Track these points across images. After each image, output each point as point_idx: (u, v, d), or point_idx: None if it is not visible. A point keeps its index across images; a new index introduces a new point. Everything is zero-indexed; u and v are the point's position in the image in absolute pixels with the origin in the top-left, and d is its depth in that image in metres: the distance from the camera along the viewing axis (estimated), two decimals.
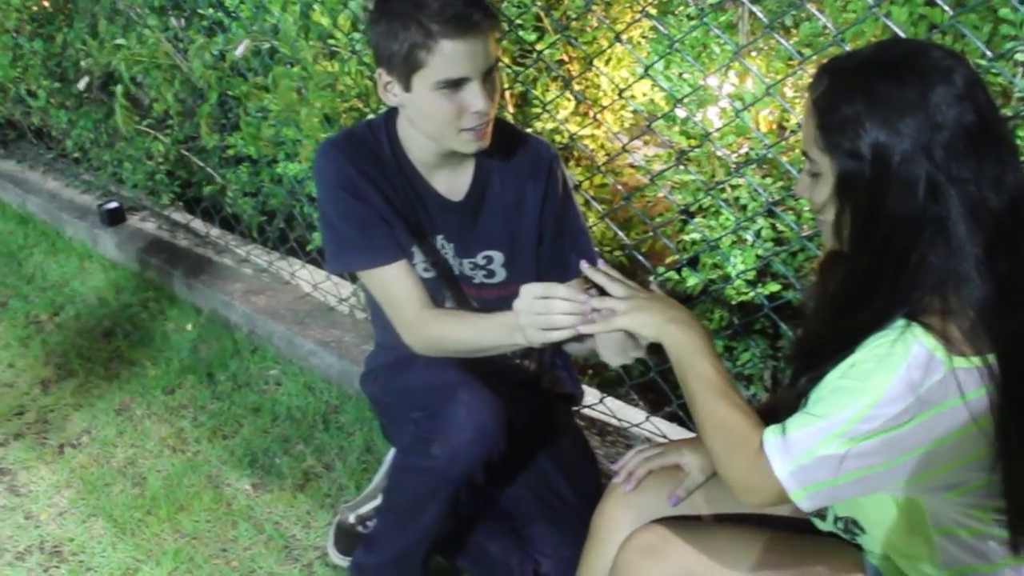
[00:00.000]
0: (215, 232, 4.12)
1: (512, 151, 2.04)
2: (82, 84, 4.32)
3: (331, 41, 2.90)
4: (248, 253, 3.90)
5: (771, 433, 1.35)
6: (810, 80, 1.34)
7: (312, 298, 3.53)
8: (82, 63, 4.21)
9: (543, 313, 1.65)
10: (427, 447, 1.87)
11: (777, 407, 1.47)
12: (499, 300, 2.08)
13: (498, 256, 2.07)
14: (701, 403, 1.48)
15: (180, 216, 4.34)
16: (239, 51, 3.04)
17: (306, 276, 3.59)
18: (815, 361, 1.37)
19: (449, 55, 1.75)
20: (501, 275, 2.09)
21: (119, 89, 3.61)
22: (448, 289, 2.10)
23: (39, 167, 5.15)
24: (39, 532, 2.62)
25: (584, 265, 1.71)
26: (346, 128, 2.09)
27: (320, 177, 2.02)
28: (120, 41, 3.70)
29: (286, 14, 2.90)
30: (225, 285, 3.69)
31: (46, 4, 4.60)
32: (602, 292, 1.67)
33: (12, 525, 2.66)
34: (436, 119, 1.83)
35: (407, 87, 1.82)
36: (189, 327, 3.64)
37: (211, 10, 3.44)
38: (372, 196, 1.97)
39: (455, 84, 1.78)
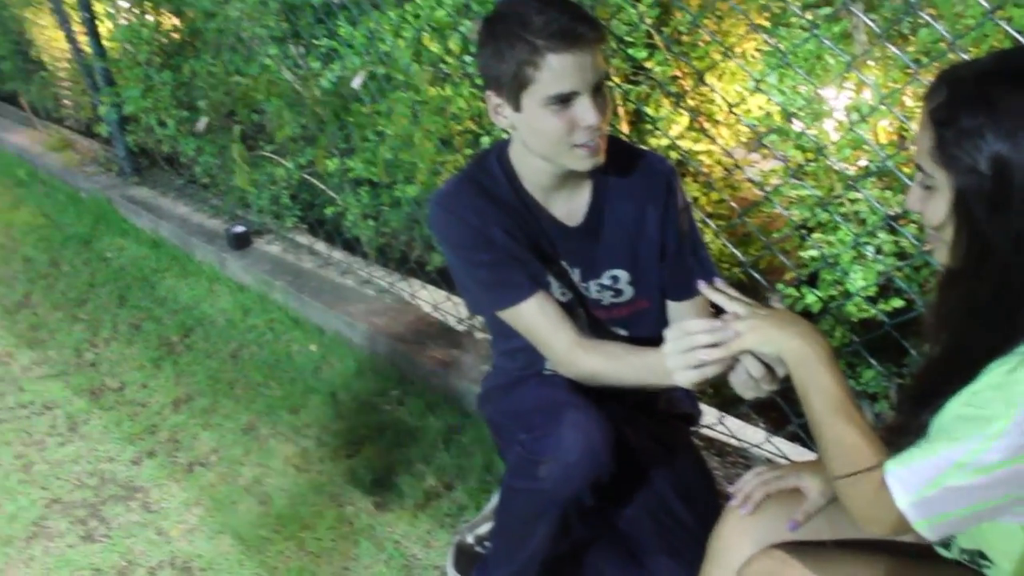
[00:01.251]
0: (338, 254, 4.19)
1: (628, 168, 2.02)
2: (201, 126, 4.45)
3: (443, 65, 2.93)
4: (370, 274, 3.96)
5: (893, 463, 1.31)
6: (928, 89, 1.29)
7: (432, 318, 3.57)
8: (199, 103, 4.34)
9: (688, 351, 1.62)
10: (534, 468, 1.86)
11: (898, 431, 1.43)
12: (631, 317, 2.07)
13: (623, 275, 2.06)
14: (821, 419, 1.45)
15: (304, 239, 4.42)
16: (356, 83, 3.09)
17: (426, 296, 3.63)
18: (936, 388, 1.32)
19: (557, 70, 1.75)
20: (629, 293, 2.08)
21: (236, 130, 3.71)
22: (580, 312, 2.10)
23: (170, 193, 5.32)
24: (170, 548, 2.70)
25: (702, 285, 1.70)
26: (456, 174, 2.10)
27: (439, 232, 2.03)
28: (239, 78, 3.80)
29: (398, 40, 2.94)
30: (348, 306, 3.75)
31: (176, 36, 4.76)
32: (719, 311, 1.65)
33: (145, 541, 2.75)
34: (548, 136, 1.82)
35: (517, 107, 1.83)
36: (313, 347, 3.71)
37: (327, 39, 3.51)
38: (496, 236, 1.97)
39: (565, 99, 1.77)
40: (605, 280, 2.05)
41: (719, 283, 1.71)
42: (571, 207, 2.02)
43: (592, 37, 1.76)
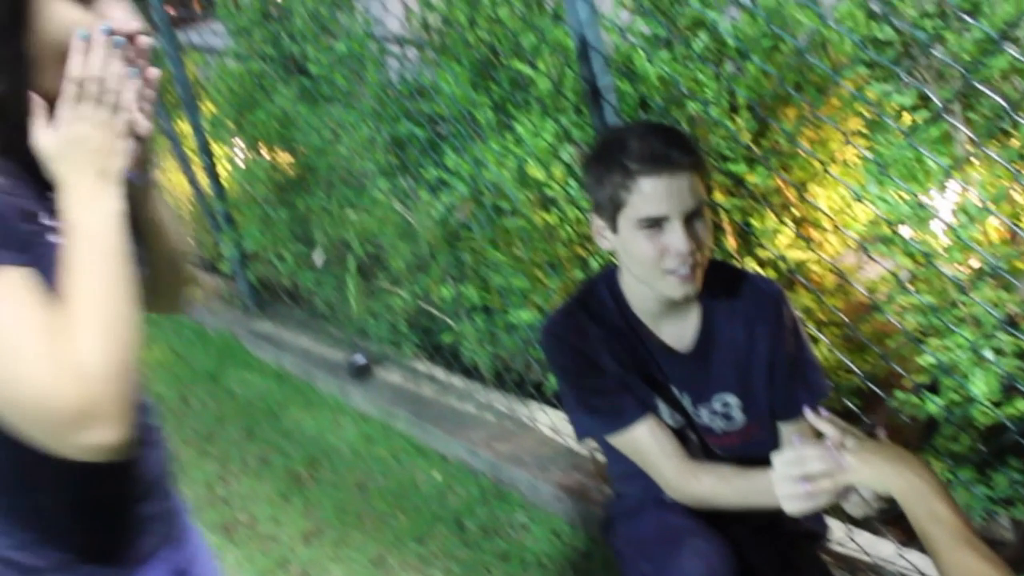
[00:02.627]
0: (456, 380, 4.23)
1: (736, 292, 2.02)
2: (318, 261, 4.58)
3: (548, 191, 2.98)
4: (488, 399, 3.98)
5: None
6: None
7: (553, 441, 3.56)
8: (316, 239, 4.48)
9: (797, 479, 1.61)
10: None
11: None
12: (743, 446, 2.06)
13: (734, 400, 2.05)
14: (945, 551, 1.41)
15: (423, 366, 4.48)
16: (462, 215, 3.16)
17: (545, 420, 3.63)
18: None
19: (648, 193, 1.79)
20: (740, 419, 2.06)
21: (352, 263, 3.81)
22: (692, 437, 2.09)
23: (292, 326, 5.44)
24: None
25: (808, 414, 1.68)
26: (566, 300, 2.14)
27: (550, 357, 2.07)
28: (351, 214, 3.92)
29: (502, 170, 3.01)
30: (469, 432, 3.77)
31: (289, 172, 4.93)
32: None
33: None
34: (640, 260, 1.85)
35: (615, 228, 1.87)
36: (437, 475, 3.73)
37: (434, 170, 3.60)
38: (605, 362, 1.99)
39: (656, 223, 1.80)
40: (716, 406, 2.04)
41: (824, 413, 1.69)
42: (680, 332, 2.03)
43: (685, 162, 1.79)
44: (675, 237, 1.80)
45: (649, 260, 1.84)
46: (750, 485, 1.85)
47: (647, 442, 1.98)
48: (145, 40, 1.22)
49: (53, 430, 1.06)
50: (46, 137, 1.16)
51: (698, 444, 2.09)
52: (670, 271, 1.83)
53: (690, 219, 1.82)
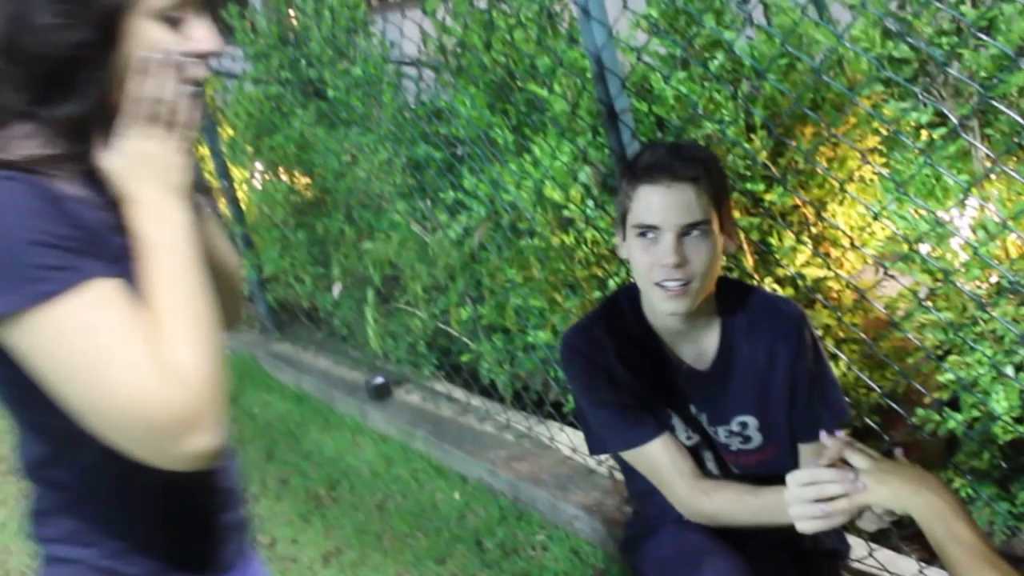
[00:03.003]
0: (476, 400, 4.23)
1: (757, 313, 2.02)
2: (336, 292, 4.60)
3: (566, 212, 2.99)
4: (508, 419, 3.98)
5: None
6: None
7: (572, 461, 3.56)
8: (334, 264, 4.50)
9: (812, 500, 1.61)
10: None
11: None
12: (759, 465, 2.06)
13: (752, 421, 2.04)
14: (965, 572, 1.41)
15: (442, 386, 4.48)
16: (478, 237, 3.18)
17: (564, 439, 3.63)
18: None
19: (643, 201, 1.82)
20: (757, 440, 2.06)
21: (371, 294, 3.82)
22: (709, 455, 2.09)
23: (311, 347, 5.45)
24: None
25: (824, 437, 1.68)
26: (588, 313, 2.15)
27: (568, 369, 2.08)
28: (367, 245, 3.94)
29: (520, 191, 3.02)
30: (488, 452, 3.77)
31: (307, 194, 4.96)
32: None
33: None
34: (636, 269, 1.90)
35: (624, 236, 1.89)
36: (456, 495, 3.73)
37: (452, 192, 3.62)
38: (622, 378, 2.00)
39: (649, 232, 1.82)
40: (733, 426, 2.04)
41: (840, 435, 1.69)
42: (699, 350, 2.03)
43: (684, 174, 1.81)
44: (664, 250, 1.82)
45: (643, 270, 1.86)
46: (762, 504, 1.85)
47: (661, 459, 1.99)
48: (213, 60, 1.25)
49: (157, 438, 1.08)
50: (112, 155, 1.18)
51: (715, 462, 2.09)
52: (658, 283, 1.84)
53: (686, 233, 1.82)
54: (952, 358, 2.48)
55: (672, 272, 1.82)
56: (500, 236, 3.38)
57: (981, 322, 2.44)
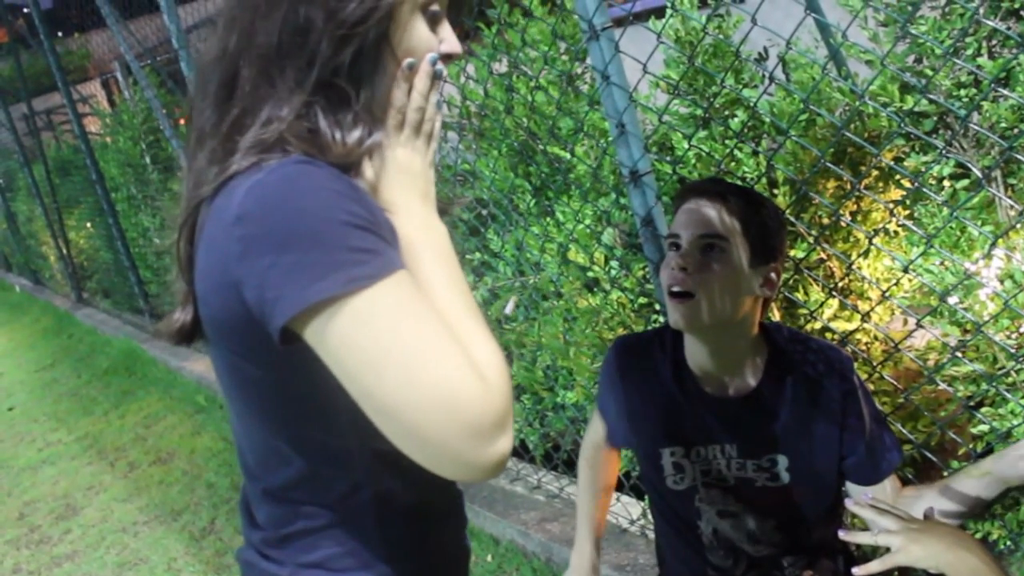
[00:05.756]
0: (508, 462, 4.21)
1: (803, 355, 2.00)
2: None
3: (590, 274, 3.00)
4: (539, 480, 3.97)
5: None
6: None
7: (605, 521, 3.54)
8: None
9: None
10: None
11: None
12: (777, 505, 2.03)
13: (782, 460, 2.02)
14: None
15: None
16: (508, 309, 3.19)
17: None
18: None
19: (676, 216, 1.90)
20: (785, 479, 2.03)
21: None
22: (704, 501, 2.07)
23: None
24: None
25: (849, 503, 1.68)
26: (647, 331, 2.20)
27: (602, 366, 2.18)
28: None
29: (545, 255, 3.04)
30: (520, 514, 3.76)
31: None
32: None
33: None
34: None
35: None
36: (489, 558, 3.71)
37: (478, 253, 3.64)
38: (632, 397, 2.08)
39: (675, 242, 1.88)
40: (764, 462, 2.02)
41: (869, 498, 1.68)
42: (736, 384, 2.01)
43: (713, 191, 1.86)
44: (674, 253, 1.86)
45: (662, 278, 1.88)
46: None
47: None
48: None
49: (469, 437, 0.98)
50: (379, 164, 1.18)
51: (706, 500, 2.08)
52: (668, 289, 1.85)
53: (706, 248, 1.84)
54: (985, 409, 2.47)
55: (677, 276, 1.82)
56: (526, 297, 3.40)
57: (1012, 373, 2.43)
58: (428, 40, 1.19)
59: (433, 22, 1.19)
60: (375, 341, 0.99)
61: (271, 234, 1.01)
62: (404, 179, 1.18)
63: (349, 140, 1.13)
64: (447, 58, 1.22)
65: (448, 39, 1.21)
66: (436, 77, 1.19)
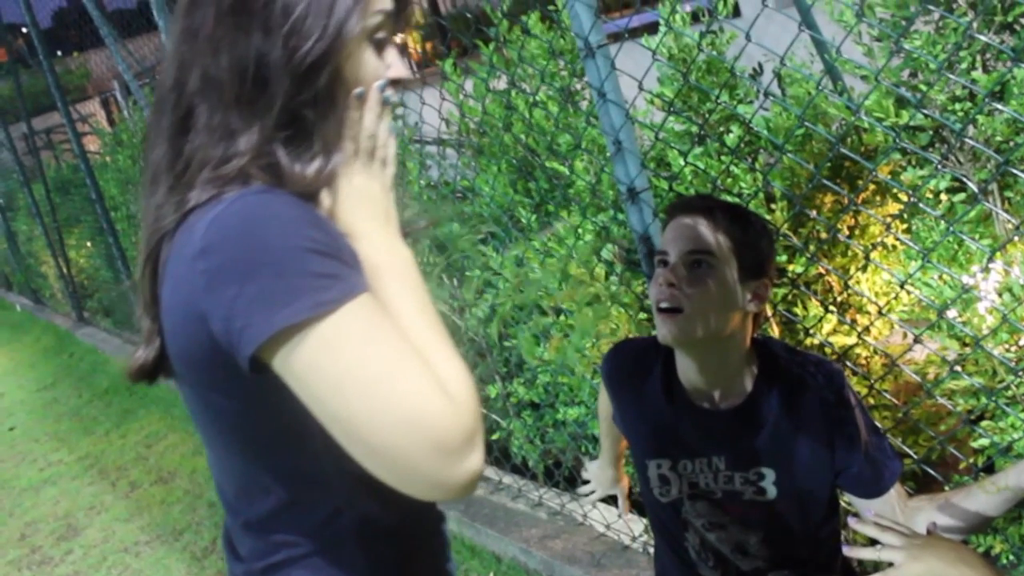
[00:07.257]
0: (507, 478, 4.22)
1: (795, 371, 2.00)
2: None
3: (591, 289, 3.01)
4: (540, 497, 3.97)
5: None
6: None
7: (607, 538, 3.54)
8: None
9: None
10: None
11: None
12: (761, 519, 2.02)
13: (770, 474, 2.02)
14: None
15: None
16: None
17: (598, 516, 3.61)
18: None
19: (664, 234, 1.91)
20: (772, 493, 2.03)
21: None
22: (691, 514, 2.07)
23: None
24: None
25: (852, 520, 1.68)
26: (645, 337, 2.20)
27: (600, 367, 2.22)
28: None
29: (546, 270, 3.04)
30: (522, 531, 3.75)
31: None
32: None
33: None
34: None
35: None
36: (491, 575, 3.71)
37: (478, 271, 3.64)
38: (623, 406, 2.12)
39: (663, 259, 1.88)
40: (751, 475, 2.01)
41: (870, 515, 1.68)
42: (726, 397, 2.01)
43: (697, 206, 1.87)
44: (663, 269, 1.87)
45: (651, 296, 1.89)
46: None
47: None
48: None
49: (440, 456, 1.00)
50: (337, 192, 1.18)
51: (692, 512, 2.07)
52: (656, 304, 1.85)
53: (693, 264, 1.84)
54: (985, 423, 2.47)
55: (665, 291, 1.83)
56: (526, 314, 3.40)
57: (1012, 386, 2.43)
58: (375, 68, 1.20)
59: (379, 48, 1.20)
60: (340, 364, 1.00)
61: (234, 265, 1.03)
62: (364, 205, 1.19)
63: (308, 172, 1.14)
64: (395, 83, 1.23)
65: (394, 64, 1.22)
66: (385, 103, 1.21)
